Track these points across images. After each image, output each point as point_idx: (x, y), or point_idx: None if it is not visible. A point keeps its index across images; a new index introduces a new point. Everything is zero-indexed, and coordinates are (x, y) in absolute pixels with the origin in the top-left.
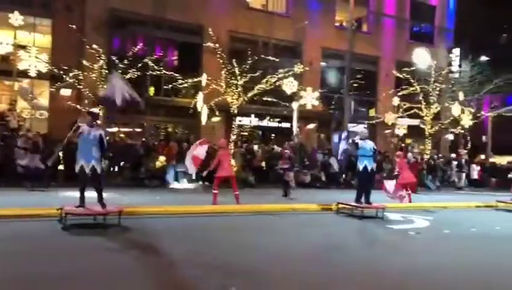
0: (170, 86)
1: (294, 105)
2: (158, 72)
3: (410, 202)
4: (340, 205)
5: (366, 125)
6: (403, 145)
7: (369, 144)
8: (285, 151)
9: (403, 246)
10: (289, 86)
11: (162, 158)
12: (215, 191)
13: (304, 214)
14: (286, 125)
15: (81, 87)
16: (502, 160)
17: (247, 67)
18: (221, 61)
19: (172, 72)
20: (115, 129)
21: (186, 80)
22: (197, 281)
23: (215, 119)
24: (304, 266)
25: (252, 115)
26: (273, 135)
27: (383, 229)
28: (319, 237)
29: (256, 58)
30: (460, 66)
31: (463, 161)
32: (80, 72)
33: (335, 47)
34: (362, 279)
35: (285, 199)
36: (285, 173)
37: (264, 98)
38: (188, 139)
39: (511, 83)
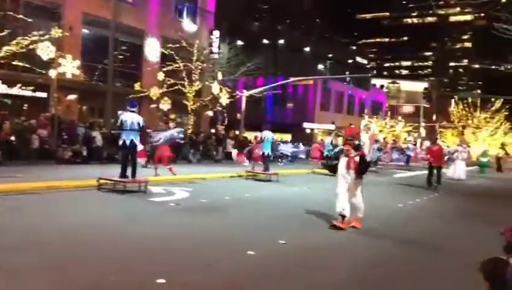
0: None
1: (52, 73)
2: None
3: (174, 174)
4: (102, 181)
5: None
6: (166, 117)
7: (135, 119)
8: None
9: (161, 218)
10: (45, 51)
11: None
12: None
13: (61, 192)
14: (42, 95)
15: None
16: (251, 135)
17: None
18: None
19: None
20: None
21: None
22: None
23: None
24: (51, 247)
25: None
26: (26, 105)
27: (145, 202)
28: (74, 216)
29: (2, 13)
30: (219, 47)
31: (220, 135)
32: None
33: (98, 14)
34: (108, 256)
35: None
36: None
37: (15, 63)
38: None
39: (260, 67)
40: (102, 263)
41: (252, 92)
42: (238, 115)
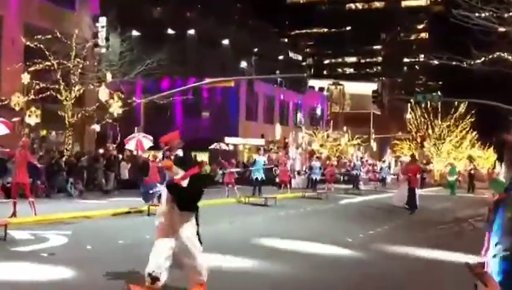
0: None
1: None
2: None
3: (35, 213)
4: None
5: None
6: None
7: None
8: None
9: (27, 276)
10: None
11: None
12: None
13: None
14: None
15: None
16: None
17: None
18: None
19: None
20: None
21: None
22: None
23: None
24: None
25: None
26: None
27: (5, 253)
28: None
29: None
30: (107, 39)
31: (112, 157)
32: None
33: None
34: None
35: None
36: None
37: None
38: None
39: (165, 65)
40: None
41: (153, 97)
42: (136, 129)
